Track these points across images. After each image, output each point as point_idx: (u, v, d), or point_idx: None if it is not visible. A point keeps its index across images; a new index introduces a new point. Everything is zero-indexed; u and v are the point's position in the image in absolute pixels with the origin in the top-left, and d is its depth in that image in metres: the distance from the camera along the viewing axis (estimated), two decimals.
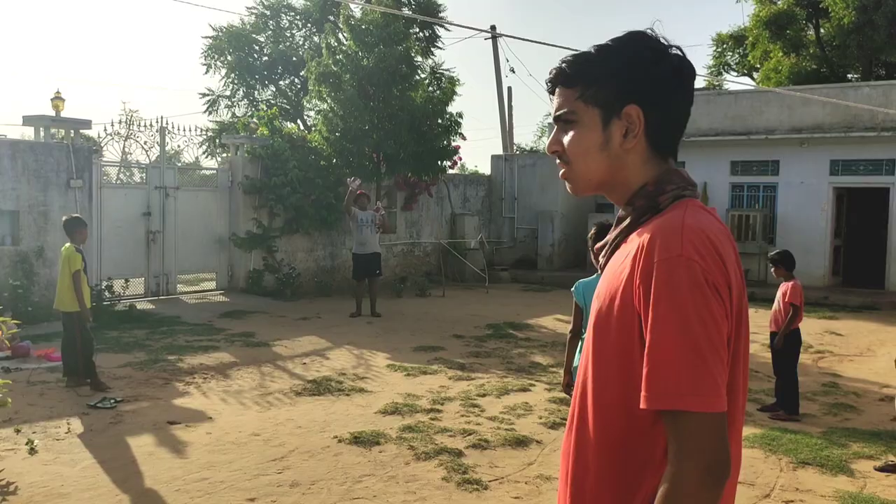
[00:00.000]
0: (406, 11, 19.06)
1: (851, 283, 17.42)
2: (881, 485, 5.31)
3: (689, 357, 1.30)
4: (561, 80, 1.54)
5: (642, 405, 1.33)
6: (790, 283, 7.03)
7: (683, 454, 1.30)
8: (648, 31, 1.51)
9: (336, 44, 14.83)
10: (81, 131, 12.24)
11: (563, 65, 1.53)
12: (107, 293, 11.67)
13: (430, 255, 18.49)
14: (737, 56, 29.26)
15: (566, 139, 1.53)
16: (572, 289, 4.89)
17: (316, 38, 21.93)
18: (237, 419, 6.55)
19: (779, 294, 7.09)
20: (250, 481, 5.10)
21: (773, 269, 7.19)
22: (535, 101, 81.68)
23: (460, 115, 15.15)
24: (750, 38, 26.10)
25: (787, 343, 6.97)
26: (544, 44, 32.11)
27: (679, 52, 1.49)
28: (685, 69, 1.48)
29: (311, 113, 22.10)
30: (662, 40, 1.49)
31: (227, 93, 23.85)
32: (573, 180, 1.55)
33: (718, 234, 1.38)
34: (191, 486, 4.98)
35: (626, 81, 1.46)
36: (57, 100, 11.81)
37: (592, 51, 1.52)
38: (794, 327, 7.00)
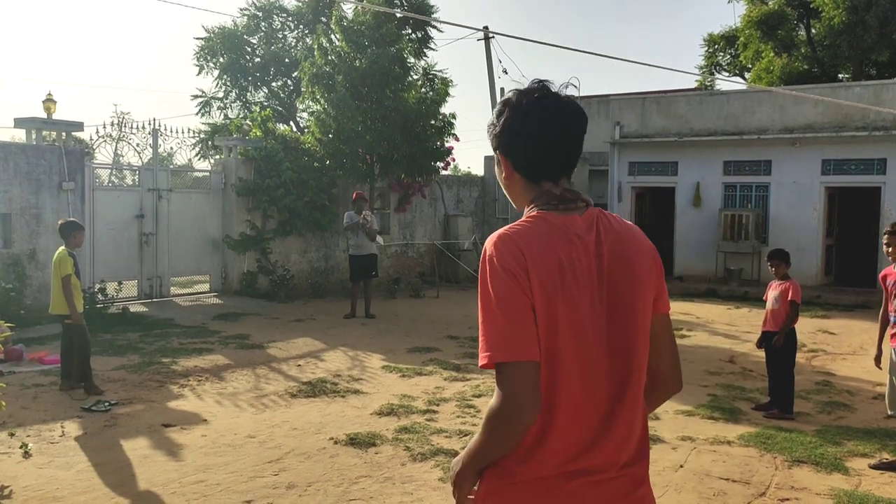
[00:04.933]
0: (398, 12, 19.05)
1: (843, 281, 17.51)
2: (876, 482, 5.33)
3: (488, 324, 1.71)
4: None
5: None
6: (788, 282, 7.04)
7: (494, 394, 1.70)
8: (518, 88, 1.91)
9: (328, 45, 14.80)
10: (73, 133, 12.19)
11: None
12: (100, 296, 11.62)
13: (424, 256, 18.49)
14: (728, 56, 29.36)
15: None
16: None
17: (308, 40, 21.88)
18: (232, 421, 6.54)
19: (775, 293, 7.09)
20: (246, 483, 5.08)
21: (772, 268, 7.20)
22: None
23: (453, 116, 15.17)
24: (741, 39, 26.19)
25: (784, 342, 6.99)
26: (538, 42, 32.12)
27: (537, 95, 1.86)
28: (531, 112, 1.85)
29: (304, 114, 22.06)
30: (517, 92, 1.89)
31: (220, 94, 23.79)
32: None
33: (528, 236, 1.77)
34: (187, 489, 4.97)
35: (492, 135, 1.94)
36: (48, 102, 11.77)
37: None
38: (792, 325, 7.04)
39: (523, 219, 1.84)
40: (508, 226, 1.82)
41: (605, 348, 1.78)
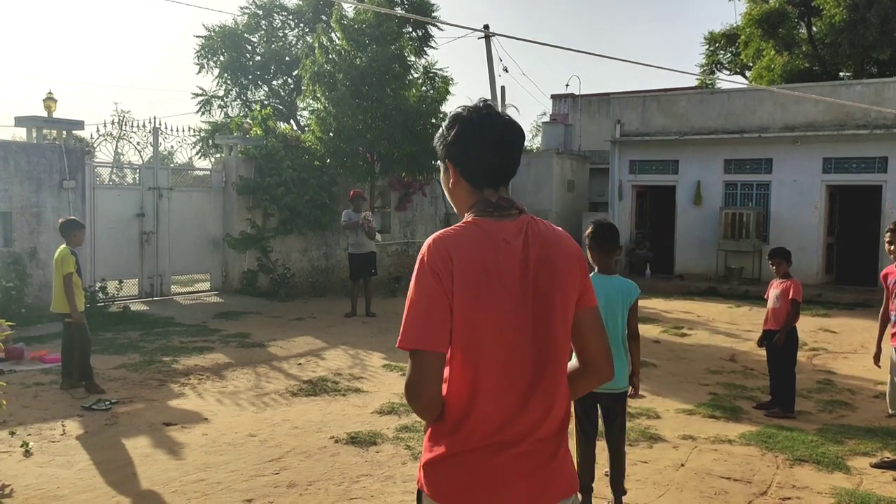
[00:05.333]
0: (399, 11, 19.03)
1: (844, 280, 17.50)
2: (877, 481, 5.32)
3: (408, 315, 1.97)
4: None
5: None
6: (789, 281, 7.03)
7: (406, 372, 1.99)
8: (467, 105, 2.14)
9: (329, 43, 14.79)
10: (74, 132, 12.18)
11: None
12: (100, 294, 11.62)
13: None
14: (729, 55, 29.33)
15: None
16: None
17: (309, 38, 21.86)
18: (233, 420, 6.54)
19: (776, 292, 7.08)
20: (247, 482, 5.08)
21: (773, 266, 7.18)
22: (529, 101, 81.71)
23: None
24: (742, 37, 26.15)
25: (786, 340, 6.98)
26: (538, 42, 32.20)
27: (484, 112, 2.11)
28: (479, 126, 2.09)
29: (305, 113, 22.06)
30: (467, 109, 2.13)
31: (221, 93, 23.78)
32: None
33: (459, 241, 2.00)
34: (188, 488, 4.97)
35: (442, 145, 2.16)
36: (49, 100, 11.75)
37: None
38: (794, 324, 7.03)
39: (460, 223, 2.09)
40: (446, 229, 2.06)
41: (530, 340, 2.02)
